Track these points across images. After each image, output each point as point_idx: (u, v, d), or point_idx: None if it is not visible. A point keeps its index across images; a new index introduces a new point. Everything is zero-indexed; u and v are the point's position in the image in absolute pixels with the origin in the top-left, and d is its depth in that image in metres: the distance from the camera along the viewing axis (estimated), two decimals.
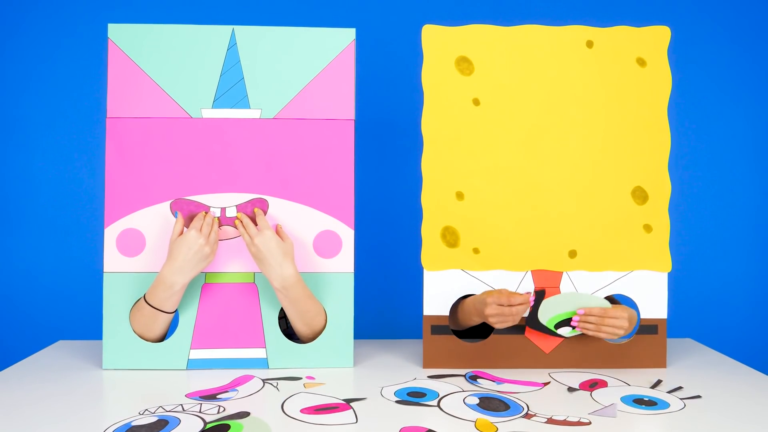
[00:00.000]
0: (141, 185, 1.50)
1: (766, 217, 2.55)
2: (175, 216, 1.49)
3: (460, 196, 1.55)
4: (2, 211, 2.44)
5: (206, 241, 1.45)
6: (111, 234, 1.50)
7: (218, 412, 1.20)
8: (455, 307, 1.59)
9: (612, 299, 1.61)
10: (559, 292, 1.55)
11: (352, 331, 1.54)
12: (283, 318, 1.60)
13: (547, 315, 1.51)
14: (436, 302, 1.55)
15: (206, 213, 1.49)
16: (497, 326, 1.48)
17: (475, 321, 1.55)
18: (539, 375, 1.49)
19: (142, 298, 1.46)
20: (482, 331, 1.71)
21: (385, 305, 2.46)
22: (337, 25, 1.56)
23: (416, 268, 1.58)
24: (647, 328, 1.56)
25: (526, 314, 1.52)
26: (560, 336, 1.53)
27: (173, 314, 1.49)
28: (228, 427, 1.13)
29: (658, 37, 1.56)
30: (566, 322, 1.50)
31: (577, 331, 1.51)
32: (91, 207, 2.40)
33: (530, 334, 1.55)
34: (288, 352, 1.52)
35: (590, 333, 1.48)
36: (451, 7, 2.43)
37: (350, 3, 2.45)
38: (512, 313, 1.45)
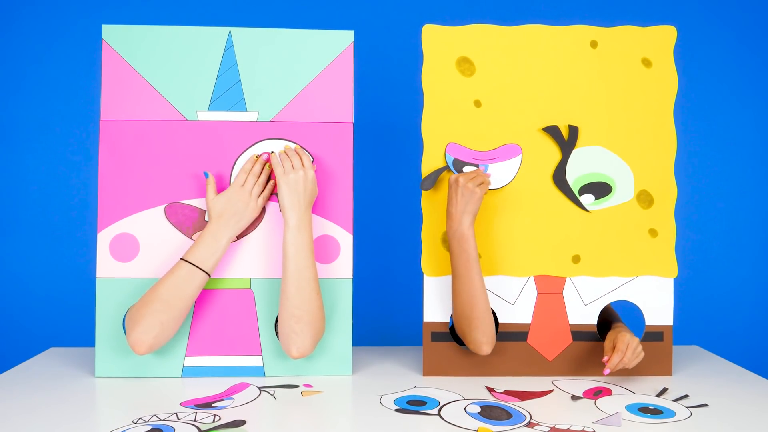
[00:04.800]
0: (135, 189, 1.48)
1: None
2: (206, 176, 1.46)
3: None
4: None
5: (249, 196, 1.45)
6: (104, 239, 1.47)
7: (214, 421, 1.18)
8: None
9: (609, 309, 1.60)
10: (562, 299, 1.52)
11: (351, 338, 1.52)
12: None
13: None
14: (436, 308, 1.53)
15: (257, 158, 1.47)
16: (459, 200, 1.44)
17: (456, 259, 1.47)
18: (542, 383, 1.48)
19: (175, 265, 1.42)
20: None
21: (385, 311, 2.45)
22: (335, 26, 1.54)
23: (416, 274, 1.56)
24: (653, 335, 1.54)
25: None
26: None
27: (205, 282, 1.43)
28: None
29: (663, 37, 1.54)
30: None
31: None
32: (84, 211, 2.38)
33: (533, 341, 1.53)
34: (285, 359, 1.50)
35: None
36: (452, 7, 2.42)
37: (349, 4, 2.44)
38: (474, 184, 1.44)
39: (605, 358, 1.41)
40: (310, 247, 1.44)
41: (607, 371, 1.39)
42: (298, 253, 1.42)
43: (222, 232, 1.43)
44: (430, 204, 1.53)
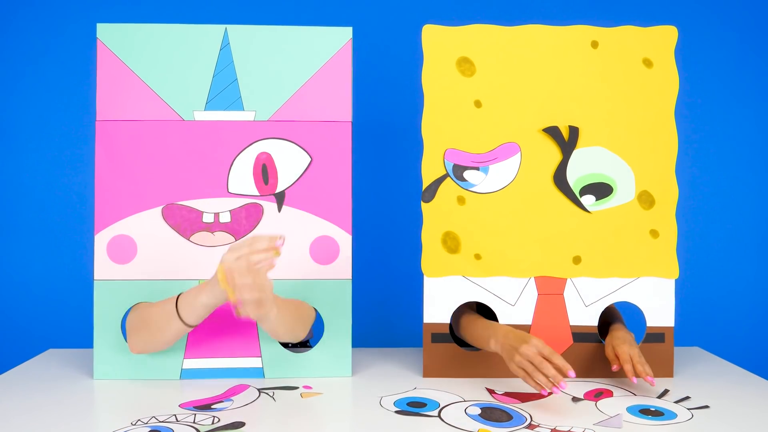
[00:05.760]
0: (132, 190, 1.47)
1: None
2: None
3: (461, 200, 1.52)
4: None
5: (241, 272, 1.21)
6: (101, 240, 1.47)
7: (213, 423, 1.18)
8: (458, 314, 1.56)
9: (612, 309, 1.59)
10: (563, 300, 1.52)
11: (350, 340, 1.52)
12: None
13: None
14: (436, 309, 1.52)
15: (273, 249, 1.24)
16: (519, 376, 1.33)
17: (486, 348, 1.45)
18: None
19: (168, 300, 1.36)
20: None
21: (384, 312, 2.44)
22: (333, 23, 1.53)
23: (416, 275, 1.55)
24: (654, 336, 1.53)
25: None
26: None
27: (186, 331, 1.37)
28: None
29: (665, 37, 1.53)
30: None
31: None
32: (80, 213, 2.37)
33: None
34: (284, 361, 1.49)
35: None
36: (452, 7, 2.41)
37: (347, 2, 2.43)
38: (542, 369, 1.29)
39: (614, 367, 1.42)
40: (292, 310, 1.40)
41: (635, 380, 1.39)
42: (286, 323, 1.37)
43: (200, 294, 1.31)
44: (431, 204, 1.52)
